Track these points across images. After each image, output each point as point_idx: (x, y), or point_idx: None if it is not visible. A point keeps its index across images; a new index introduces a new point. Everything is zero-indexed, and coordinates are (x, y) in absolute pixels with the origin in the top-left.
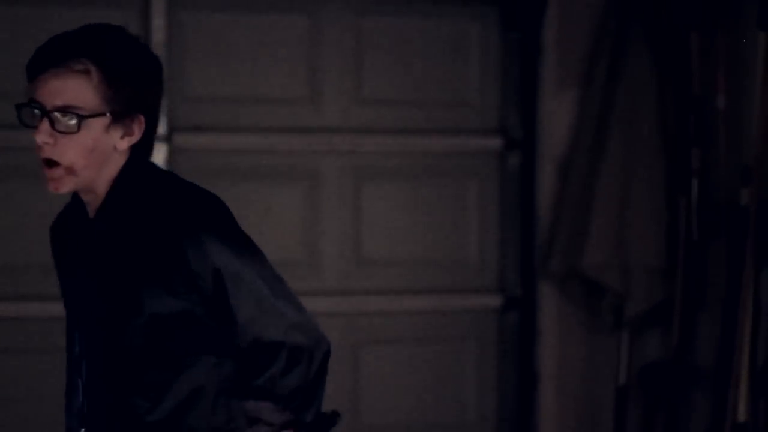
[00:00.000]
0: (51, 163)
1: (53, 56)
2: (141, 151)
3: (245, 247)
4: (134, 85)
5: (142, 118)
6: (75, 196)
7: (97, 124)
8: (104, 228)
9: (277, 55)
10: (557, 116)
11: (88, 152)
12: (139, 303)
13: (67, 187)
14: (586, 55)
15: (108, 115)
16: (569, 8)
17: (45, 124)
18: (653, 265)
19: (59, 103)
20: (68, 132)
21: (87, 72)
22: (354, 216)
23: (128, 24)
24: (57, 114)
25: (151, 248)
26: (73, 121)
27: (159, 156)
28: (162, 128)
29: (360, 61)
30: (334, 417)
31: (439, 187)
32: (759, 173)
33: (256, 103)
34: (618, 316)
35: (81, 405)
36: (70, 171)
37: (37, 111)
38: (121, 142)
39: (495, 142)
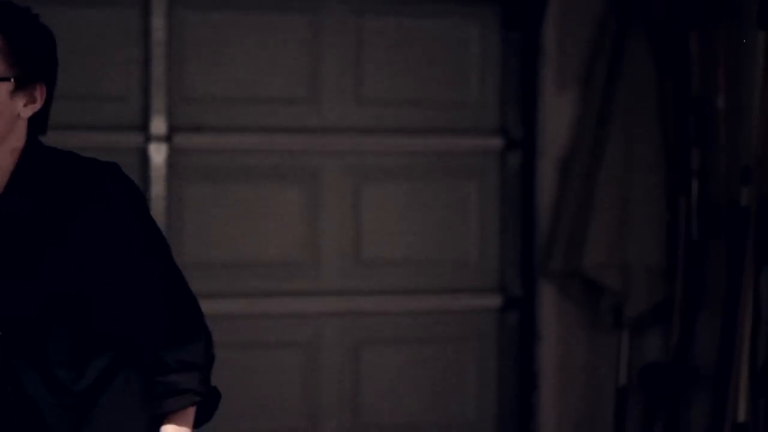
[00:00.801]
0: None
1: None
2: (39, 123)
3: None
4: (36, 52)
5: (44, 86)
6: None
7: (2, 89)
8: (17, 203)
9: (277, 55)
10: (557, 116)
11: None
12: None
13: None
14: (586, 55)
15: (12, 80)
16: (569, 8)
17: None
18: (653, 265)
19: None
20: None
21: None
22: (354, 216)
23: (128, 24)
24: None
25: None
26: None
27: (159, 156)
28: (162, 128)
29: (360, 61)
30: (216, 391)
31: (439, 187)
32: (759, 173)
33: (256, 103)
34: (618, 316)
35: None
36: None
37: None
38: (24, 110)
39: (495, 142)
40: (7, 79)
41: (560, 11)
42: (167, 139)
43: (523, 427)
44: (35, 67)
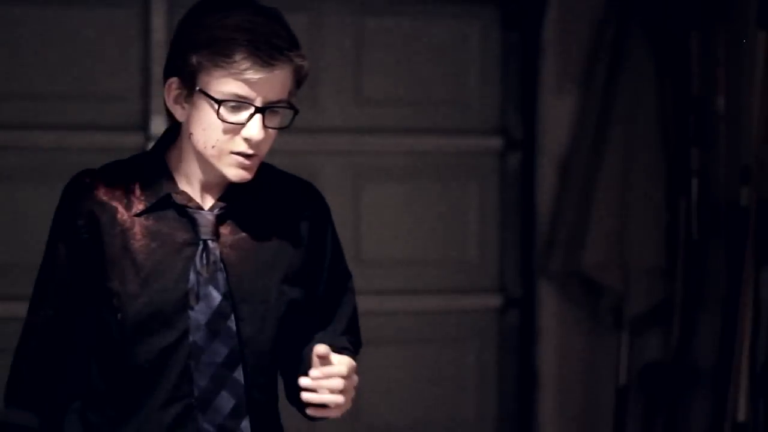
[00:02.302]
0: (251, 156)
1: (278, 51)
2: None
3: None
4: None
5: None
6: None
7: (287, 115)
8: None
9: None
10: (557, 116)
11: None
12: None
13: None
14: (586, 55)
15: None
16: (569, 8)
17: (259, 121)
18: (653, 265)
19: (273, 98)
20: (278, 128)
21: (295, 65)
22: (354, 216)
23: (128, 24)
24: (271, 110)
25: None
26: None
27: None
28: (162, 128)
29: (360, 61)
30: None
31: (439, 187)
32: (759, 173)
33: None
34: (618, 316)
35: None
36: (259, 159)
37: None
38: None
39: (495, 142)
40: (293, 108)
41: (560, 11)
42: None
43: (523, 427)
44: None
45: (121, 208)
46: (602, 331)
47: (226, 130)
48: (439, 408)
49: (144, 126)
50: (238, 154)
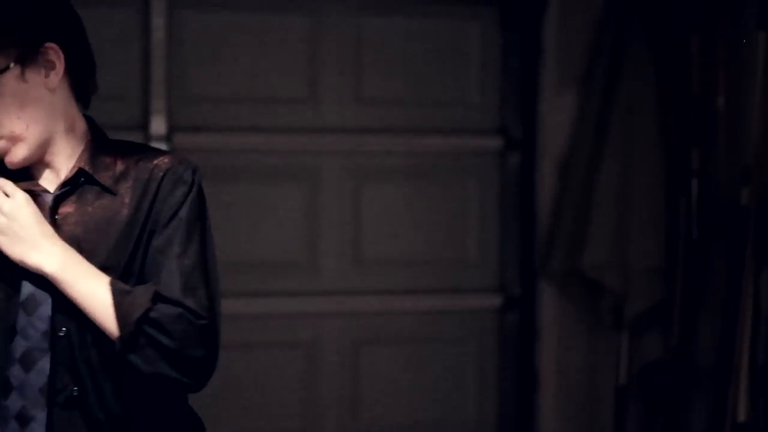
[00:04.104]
0: None
1: None
2: (81, 94)
3: None
4: (19, 19)
5: (54, 46)
6: None
7: (9, 79)
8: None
9: (277, 55)
10: (557, 116)
11: (19, 111)
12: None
13: (21, 155)
14: (586, 55)
15: (13, 65)
16: (569, 8)
17: None
18: (653, 265)
19: None
20: None
21: None
22: (354, 216)
23: (128, 24)
24: None
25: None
26: None
27: None
28: (162, 128)
29: (360, 61)
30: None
31: (439, 187)
32: (759, 173)
33: (256, 103)
34: (618, 316)
35: None
36: (15, 138)
37: None
38: (48, 81)
39: (495, 142)
40: (5, 69)
41: (560, 11)
42: (167, 139)
43: (523, 427)
44: (30, 35)
45: None
46: (602, 331)
47: None
48: (439, 408)
49: (144, 126)
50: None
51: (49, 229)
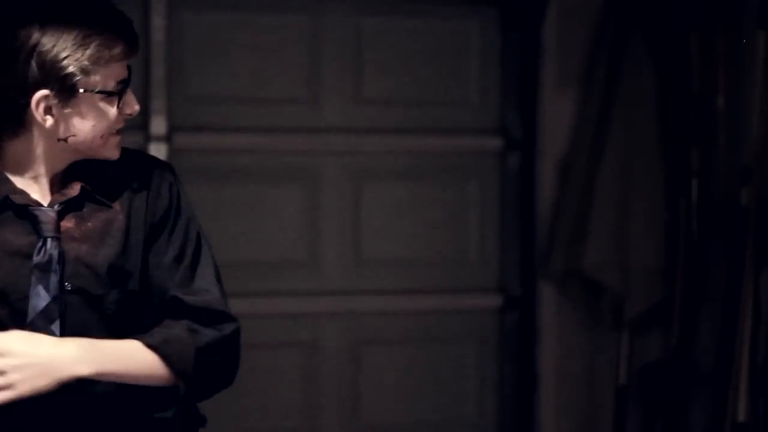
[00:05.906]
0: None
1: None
2: None
3: None
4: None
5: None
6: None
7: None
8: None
9: (277, 55)
10: (557, 116)
11: None
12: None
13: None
14: (586, 55)
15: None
16: (569, 8)
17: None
18: (653, 265)
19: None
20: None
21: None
22: (354, 216)
23: None
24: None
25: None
26: None
27: (159, 156)
28: (162, 128)
29: (360, 61)
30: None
31: (439, 187)
32: (759, 173)
33: (256, 103)
34: (618, 316)
35: None
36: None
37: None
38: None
39: (495, 142)
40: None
41: (560, 11)
42: (167, 139)
43: (523, 427)
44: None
45: None
46: (602, 331)
47: (118, 115)
48: (439, 408)
49: (144, 126)
50: (117, 132)
51: (46, 338)
